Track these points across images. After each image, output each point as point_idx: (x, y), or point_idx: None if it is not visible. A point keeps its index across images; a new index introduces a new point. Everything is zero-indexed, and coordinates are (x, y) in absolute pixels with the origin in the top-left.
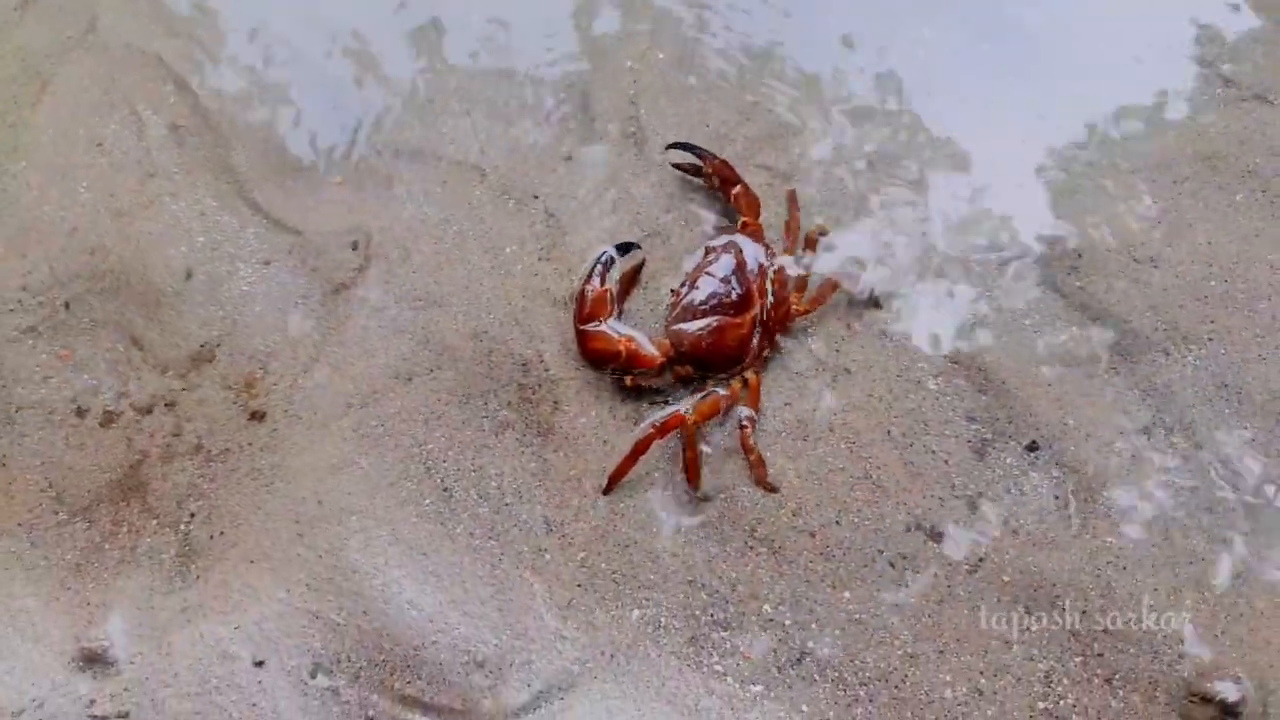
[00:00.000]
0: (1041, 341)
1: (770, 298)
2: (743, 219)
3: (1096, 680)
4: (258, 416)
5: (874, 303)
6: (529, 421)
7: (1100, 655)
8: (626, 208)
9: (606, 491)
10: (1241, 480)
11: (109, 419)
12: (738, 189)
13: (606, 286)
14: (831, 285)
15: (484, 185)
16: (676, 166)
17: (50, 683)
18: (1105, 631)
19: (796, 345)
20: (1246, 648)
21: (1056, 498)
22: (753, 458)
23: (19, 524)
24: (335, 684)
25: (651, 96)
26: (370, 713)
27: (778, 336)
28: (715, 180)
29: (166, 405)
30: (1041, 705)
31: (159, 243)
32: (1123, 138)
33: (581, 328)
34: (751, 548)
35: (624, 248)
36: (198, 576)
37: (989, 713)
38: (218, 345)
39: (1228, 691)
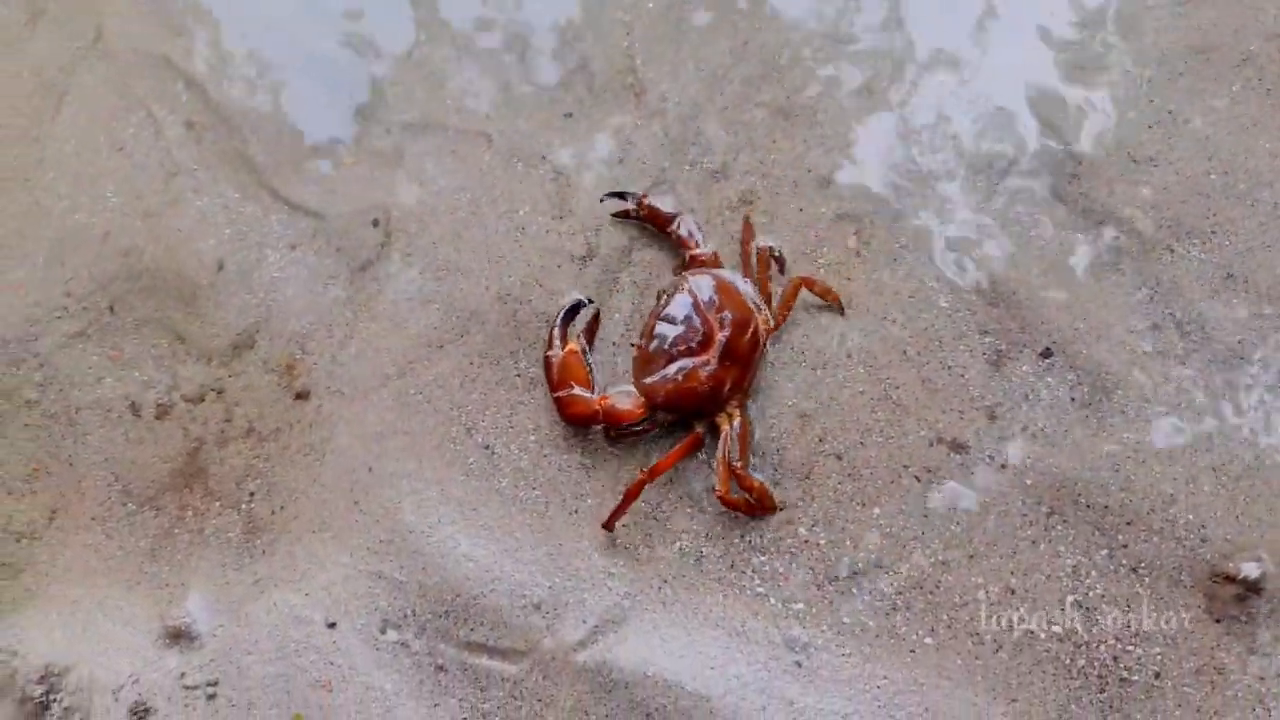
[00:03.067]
0: (1047, 249)
1: (728, 329)
2: (689, 254)
3: (1123, 570)
4: (303, 396)
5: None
6: None
7: (1125, 546)
8: (632, 159)
9: (607, 528)
10: (1252, 368)
11: (163, 412)
12: (677, 222)
13: (569, 346)
14: (795, 287)
15: (492, 151)
16: (616, 215)
17: (142, 660)
18: (1128, 524)
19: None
20: (1266, 527)
21: (1073, 400)
22: (755, 494)
23: (93, 518)
24: (404, 637)
25: (646, 46)
26: (439, 661)
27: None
28: (649, 222)
29: (215, 393)
30: (1071, 598)
31: (189, 238)
32: (1114, 37)
33: (556, 395)
34: (781, 477)
35: (574, 308)
36: (264, 550)
37: (1021, 610)
38: (256, 331)
39: (1250, 570)
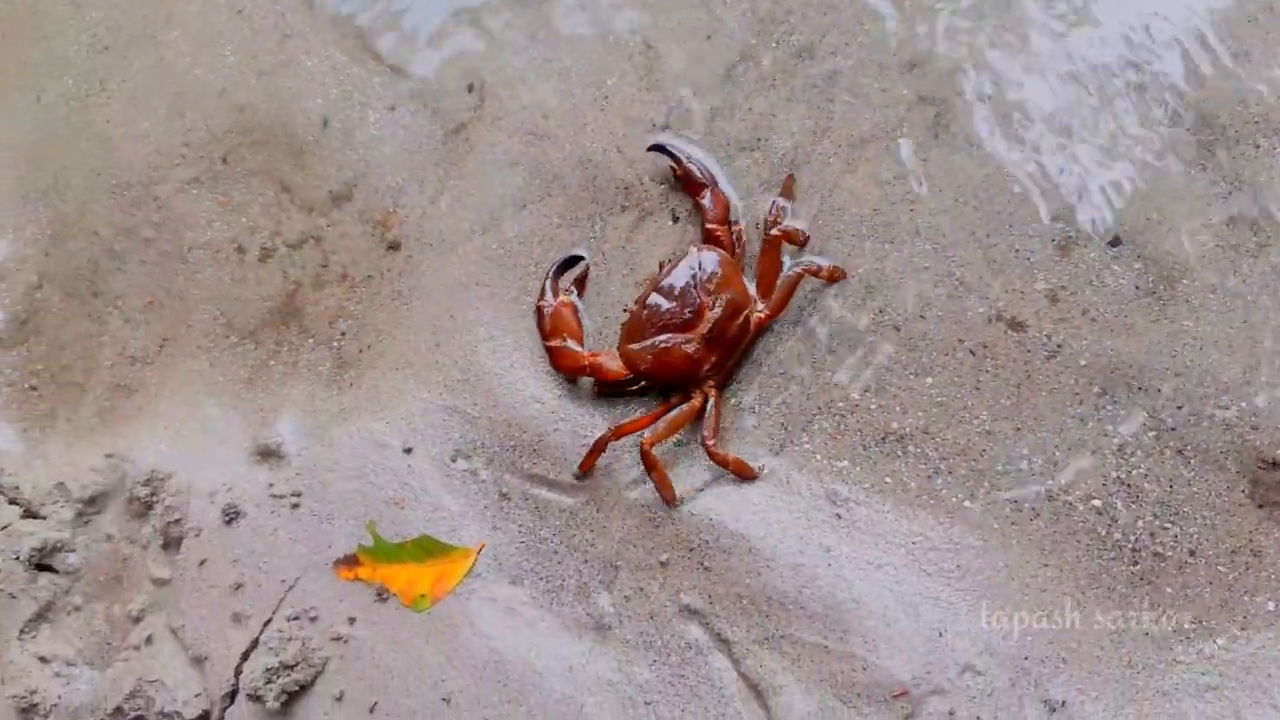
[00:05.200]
0: (1123, 138)
1: (719, 310)
2: (707, 225)
3: (1169, 452)
4: (394, 246)
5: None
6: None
7: (1173, 429)
8: (719, 34)
9: (581, 470)
10: None
11: (266, 255)
12: (705, 194)
13: (560, 299)
14: (796, 278)
15: (586, 22)
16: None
17: (235, 472)
18: (1179, 408)
19: (884, 153)
20: None
21: (1137, 288)
22: (731, 467)
23: (198, 347)
24: (473, 466)
25: None
26: (503, 489)
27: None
28: (683, 184)
29: (314, 240)
30: (1114, 474)
31: (298, 96)
32: None
33: (548, 344)
34: (838, 345)
35: (569, 262)
36: (351, 384)
37: (1062, 480)
38: (354, 185)
39: None
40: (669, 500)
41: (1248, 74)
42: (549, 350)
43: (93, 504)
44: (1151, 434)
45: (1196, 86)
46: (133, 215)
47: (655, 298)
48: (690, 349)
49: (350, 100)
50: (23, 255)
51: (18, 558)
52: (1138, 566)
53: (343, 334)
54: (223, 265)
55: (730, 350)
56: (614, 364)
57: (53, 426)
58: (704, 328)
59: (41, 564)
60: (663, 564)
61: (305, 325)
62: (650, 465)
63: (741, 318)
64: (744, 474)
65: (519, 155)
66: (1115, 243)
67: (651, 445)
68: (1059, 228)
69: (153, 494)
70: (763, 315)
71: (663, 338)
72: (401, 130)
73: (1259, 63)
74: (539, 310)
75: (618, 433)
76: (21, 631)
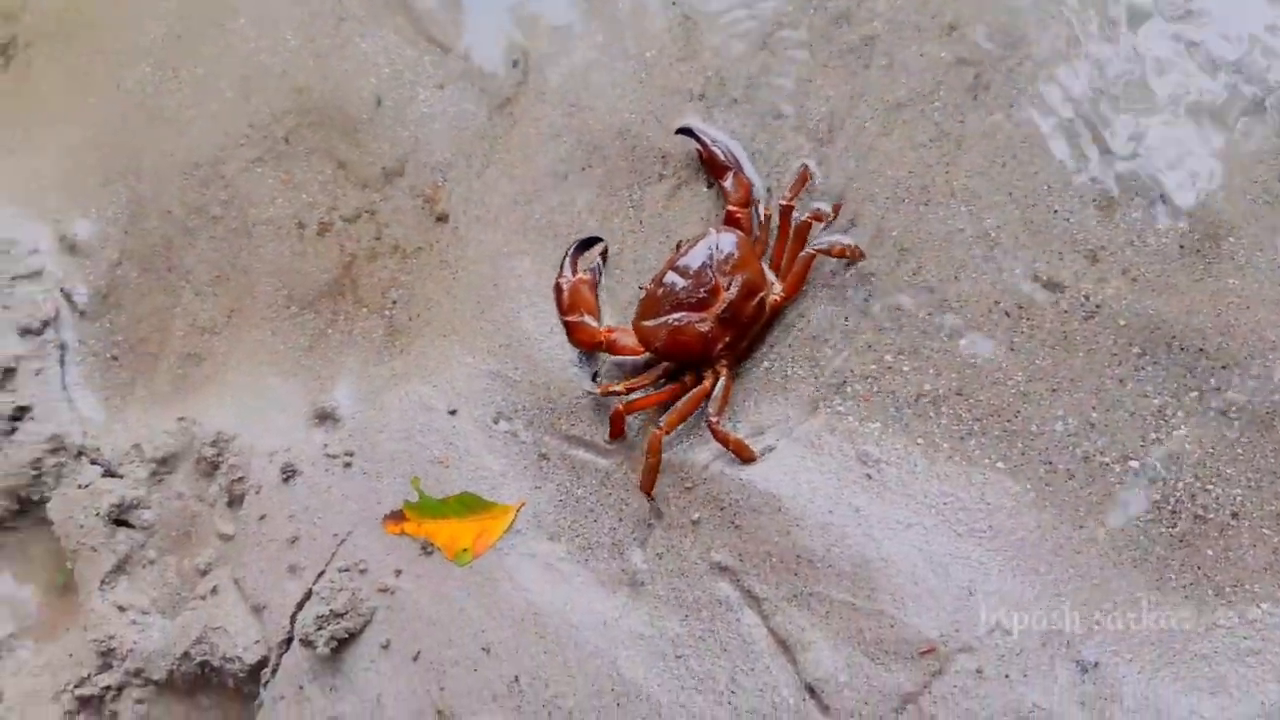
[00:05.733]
0: (1167, 96)
1: (735, 291)
2: (728, 207)
3: (1212, 413)
4: (442, 219)
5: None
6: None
7: (1218, 389)
8: (757, 3)
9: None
10: None
11: (324, 229)
12: (728, 177)
13: (579, 276)
14: (809, 260)
15: None
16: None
17: (293, 435)
18: (1223, 368)
19: (919, 116)
20: None
21: (1181, 248)
22: (731, 446)
23: (261, 318)
24: (514, 428)
25: None
26: (543, 450)
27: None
28: (707, 167)
29: (369, 214)
30: (1154, 436)
31: (353, 76)
32: None
33: (565, 319)
34: (871, 305)
35: (587, 243)
36: (401, 350)
37: (1099, 443)
38: (406, 161)
39: None
40: (647, 488)
41: None
42: (566, 325)
43: (165, 464)
44: (1194, 394)
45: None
46: (203, 194)
47: (671, 276)
48: (704, 328)
49: (401, 79)
50: (105, 234)
51: (99, 514)
52: (1177, 528)
53: (394, 303)
54: (284, 240)
55: (744, 331)
56: (629, 340)
57: (131, 394)
58: (718, 308)
59: (120, 519)
60: (694, 523)
61: (360, 296)
62: (652, 451)
63: (757, 299)
64: (743, 455)
65: (561, 127)
66: (1160, 200)
67: (666, 433)
68: (1099, 187)
69: (219, 454)
70: (779, 298)
71: (677, 316)
72: (451, 107)
73: None
74: (557, 287)
75: (628, 408)
76: (103, 583)
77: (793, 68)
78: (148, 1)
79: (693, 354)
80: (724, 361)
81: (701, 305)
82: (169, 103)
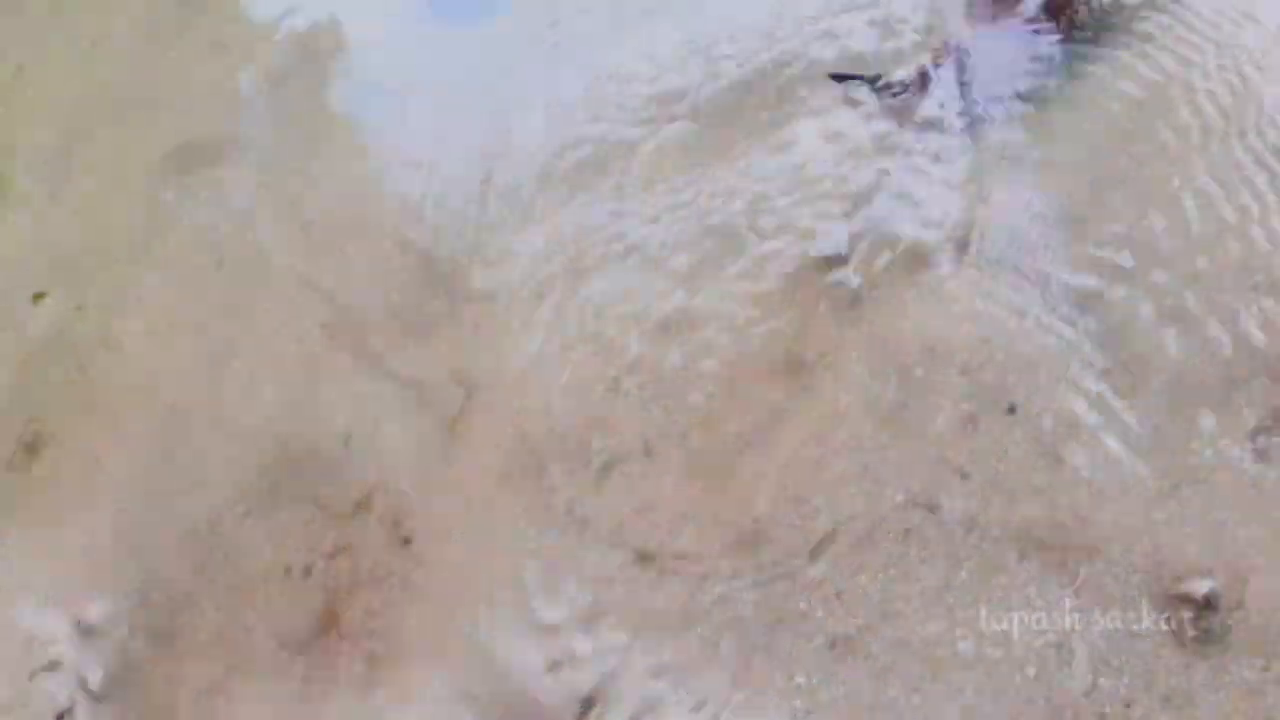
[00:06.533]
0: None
1: None
2: None
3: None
4: (407, 540)
5: None
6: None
7: (1087, 581)
8: None
9: None
10: None
11: (307, 571)
12: None
13: None
14: None
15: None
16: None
17: None
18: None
19: None
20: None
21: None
22: None
23: (259, 671)
24: None
25: None
26: None
27: None
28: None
29: (345, 550)
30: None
31: (325, 419)
32: None
33: None
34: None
35: None
36: (381, 683)
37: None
38: (371, 493)
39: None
40: None
41: None
42: None
43: None
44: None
45: None
46: (202, 556)
47: None
48: None
49: (365, 414)
50: (118, 612)
51: None
52: None
53: (372, 632)
54: (275, 587)
55: None
56: None
57: None
58: None
59: None
60: None
61: (342, 631)
62: None
63: None
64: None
65: (500, 435)
66: (1011, 410)
67: None
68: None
69: None
70: None
71: None
72: (408, 431)
73: None
74: None
75: None
76: None
77: None
78: (143, 395)
79: None
80: None
81: None
82: (171, 478)
